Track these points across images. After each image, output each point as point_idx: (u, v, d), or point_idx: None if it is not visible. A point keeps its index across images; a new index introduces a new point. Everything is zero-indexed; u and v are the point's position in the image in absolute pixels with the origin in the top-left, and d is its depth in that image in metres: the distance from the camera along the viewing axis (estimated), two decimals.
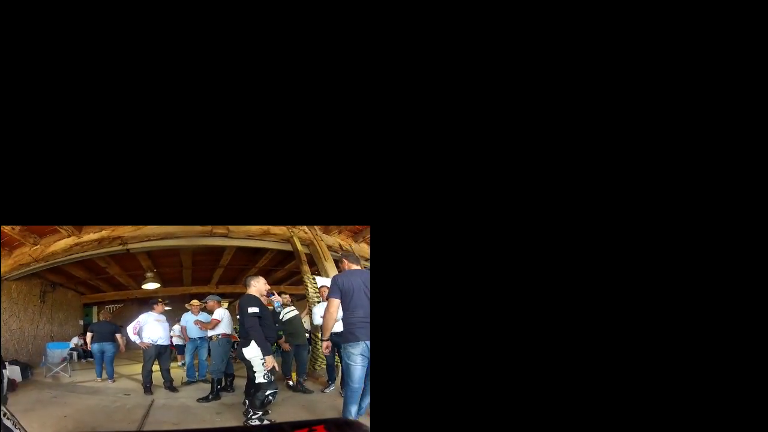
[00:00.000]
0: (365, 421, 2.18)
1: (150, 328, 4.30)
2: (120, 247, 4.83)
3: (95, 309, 7.52)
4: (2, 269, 4.95)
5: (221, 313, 4.10)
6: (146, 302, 5.59)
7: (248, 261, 6.03)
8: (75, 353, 6.01)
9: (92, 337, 4.81)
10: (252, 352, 2.74)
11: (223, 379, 3.90)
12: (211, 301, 4.25)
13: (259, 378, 2.76)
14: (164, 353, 4.36)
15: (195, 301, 4.58)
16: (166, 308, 5.60)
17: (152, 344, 4.22)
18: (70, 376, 4.97)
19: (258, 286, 2.94)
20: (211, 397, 3.66)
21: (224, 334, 3.99)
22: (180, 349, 5.81)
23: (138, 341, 4.31)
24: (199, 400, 3.71)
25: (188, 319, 4.60)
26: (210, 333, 4.10)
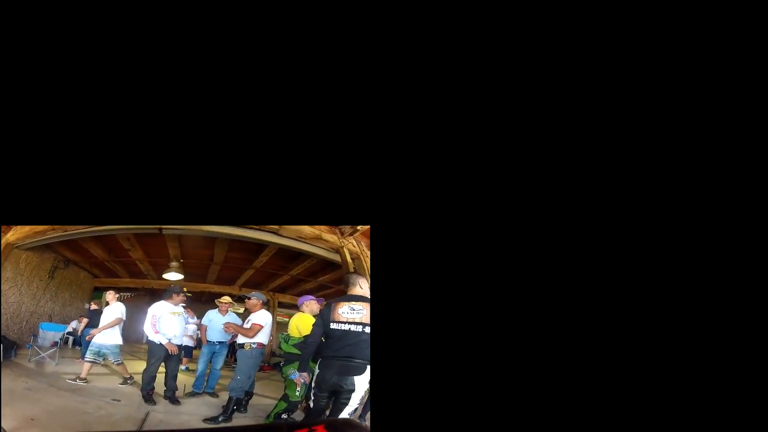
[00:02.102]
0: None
1: (165, 322, 3.21)
2: (152, 227, 3.90)
3: (105, 294, 6.51)
4: (17, 236, 4.15)
5: (265, 318, 2.97)
6: (160, 294, 4.69)
7: (281, 267, 5.06)
8: (71, 338, 4.99)
9: (87, 323, 4.23)
10: (365, 382, 1.88)
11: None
12: (254, 299, 3.09)
13: (345, 414, 1.91)
14: (175, 355, 3.21)
15: (227, 298, 3.47)
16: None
17: (174, 345, 3.13)
18: (56, 365, 3.94)
19: (365, 288, 2.06)
20: (221, 418, 2.59)
21: (260, 344, 2.89)
22: (187, 351, 4.79)
23: (163, 341, 3.13)
24: (206, 420, 2.66)
25: (212, 317, 3.52)
26: (242, 339, 2.94)
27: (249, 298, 3.12)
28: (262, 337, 2.88)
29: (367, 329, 1.89)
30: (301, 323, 2.59)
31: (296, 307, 3.24)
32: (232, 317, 3.35)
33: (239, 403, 2.75)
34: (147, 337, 3.25)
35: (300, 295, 4.00)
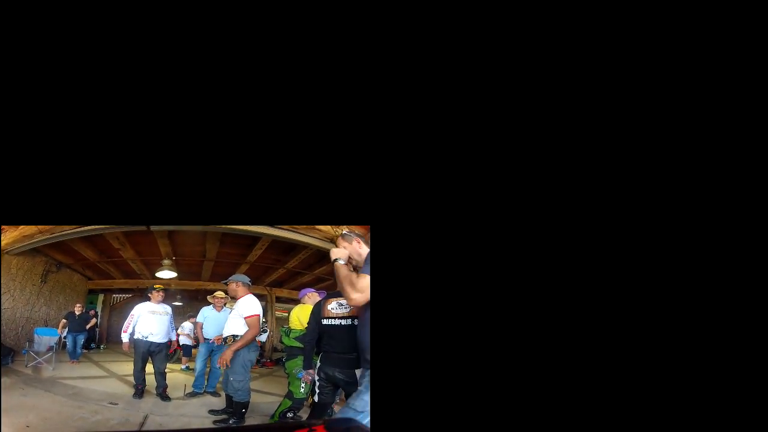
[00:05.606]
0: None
1: (144, 321, 3.14)
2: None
3: (101, 297, 6.32)
4: (6, 241, 4.00)
5: (255, 305, 2.64)
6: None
7: (276, 261, 4.93)
8: (67, 341, 4.86)
9: (67, 327, 4.29)
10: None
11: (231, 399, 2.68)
12: (235, 283, 2.69)
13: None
14: (158, 353, 3.15)
15: (220, 293, 3.31)
16: (177, 303, 4.51)
17: (143, 340, 3.08)
18: (53, 369, 3.81)
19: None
20: (232, 421, 2.44)
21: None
22: (186, 350, 4.67)
23: (125, 340, 3.17)
24: (216, 422, 2.55)
25: (207, 314, 3.40)
26: (228, 332, 2.73)
27: (227, 284, 2.72)
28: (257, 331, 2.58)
29: (356, 321, 1.80)
30: (303, 314, 2.43)
31: (295, 302, 3.09)
32: (227, 314, 3.19)
33: (246, 405, 2.58)
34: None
35: (298, 288, 3.87)
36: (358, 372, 1.77)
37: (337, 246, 1.67)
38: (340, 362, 1.82)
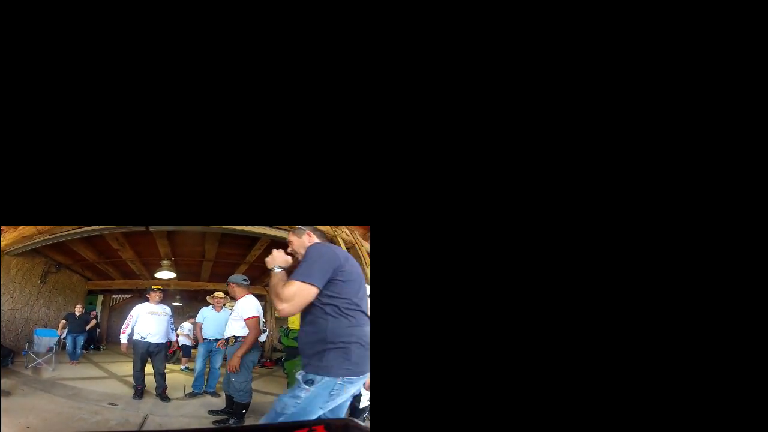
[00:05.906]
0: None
1: (143, 322, 3.18)
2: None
3: (100, 297, 6.33)
4: (5, 242, 4.01)
5: (255, 305, 2.68)
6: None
7: None
8: (67, 342, 4.86)
9: (67, 327, 4.23)
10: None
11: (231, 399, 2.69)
12: (233, 285, 2.77)
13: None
14: (158, 353, 3.18)
15: (220, 294, 3.32)
16: (176, 303, 4.53)
17: (142, 340, 3.11)
18: (53, 370, 3.81)
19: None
20: (232, 421, 2.46)
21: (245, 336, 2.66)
22: (186, 350, 4.67)
23: (124, 341, 3.22)
24: (215, 422, 2.55)
25: (207, 315, 3.39)
26: (228, 333, 2.76)
27: (228, 284, 2.80)
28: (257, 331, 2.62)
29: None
30: None
31: None
32: (227, 314, 3.19)
33: (247, 406, 2.60)
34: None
35: None
36: None
37: (288, 241, 1.55)
38: None
